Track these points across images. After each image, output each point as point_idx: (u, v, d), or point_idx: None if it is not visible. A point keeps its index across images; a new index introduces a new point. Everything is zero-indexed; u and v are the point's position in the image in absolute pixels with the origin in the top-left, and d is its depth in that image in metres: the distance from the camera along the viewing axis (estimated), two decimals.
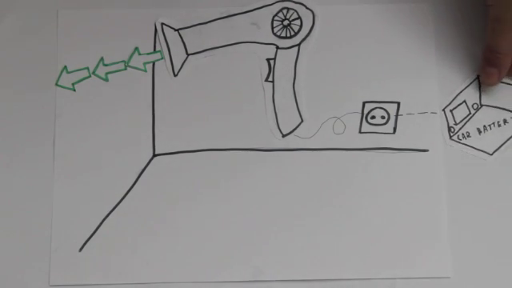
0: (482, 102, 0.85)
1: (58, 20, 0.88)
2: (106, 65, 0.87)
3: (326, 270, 0.82)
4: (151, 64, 0.87)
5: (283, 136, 0.85)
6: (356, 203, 0.83)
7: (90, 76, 0.86)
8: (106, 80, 0.86)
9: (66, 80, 0.86)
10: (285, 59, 0.86)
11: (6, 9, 0.88)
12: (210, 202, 0.84)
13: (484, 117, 0.85)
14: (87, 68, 0.87)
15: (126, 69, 0.87)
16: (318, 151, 0.85)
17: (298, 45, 0.86)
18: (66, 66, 0.86)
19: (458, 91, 0.86)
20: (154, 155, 0.85)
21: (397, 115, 0.85)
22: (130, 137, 0.85)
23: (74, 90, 0.86)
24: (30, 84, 0.87)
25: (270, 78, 0.86)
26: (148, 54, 0.87)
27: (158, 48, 0.87)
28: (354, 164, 0.84)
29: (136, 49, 0.87)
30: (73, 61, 0.87)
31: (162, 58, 0.87)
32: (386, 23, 0.87)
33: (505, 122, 0.85)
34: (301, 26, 0.87)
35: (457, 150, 0.84)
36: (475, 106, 0.85)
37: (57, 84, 0.86)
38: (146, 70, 0.87)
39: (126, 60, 0.87)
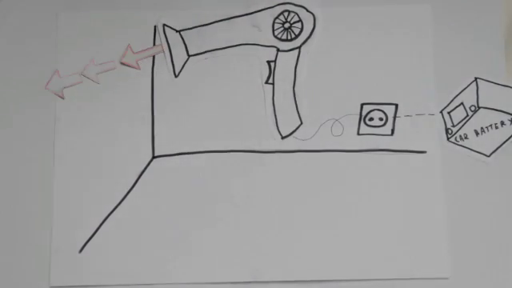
0: (480, 104, 0.85)
1: (58, 23, 0.88)
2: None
3: (325, 270, 0.82)
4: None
5: (282, 138, 0.85)
6: (355, 204, 0.84)
7: (90, 78, 0.87)
8: (106, 81, 0.87)
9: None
10: (285, 62, 0.86)
11: (7, 12, 0.88)
12: (209, 203, 0.84)
13: (481, 119, 0.85)
14: (87, 69, 0.87)
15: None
16: (317, 153, 0.85)
17: (299, 47, 0.86)
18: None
19: (455, 93, 0.86)
20: (154, 157, 0.85)
21: (395, 117, 0.86)
22: (130, 138, 0.85)
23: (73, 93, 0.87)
24: (30, 86, 0.87)
25: (271, 80, 0.86)
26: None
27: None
28: (352, 165, 0.85)
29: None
30: (72, 63, 0.87)
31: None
32: (385, 25, 0.87)
33: (502, 123, 0.85)
34: (302, 28, 0.87)
35: (454, 151, 0.85)
36: (473, 108, 0.86)
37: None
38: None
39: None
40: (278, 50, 0.87)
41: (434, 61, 0.86)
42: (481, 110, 0.85)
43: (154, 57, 0.87)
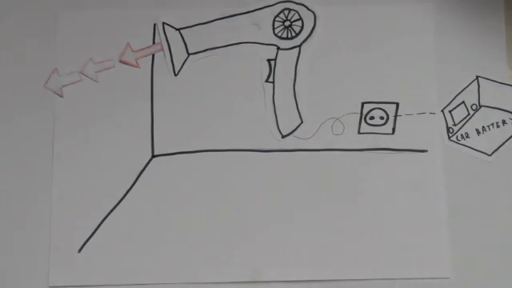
0: (481, 103, 0.85)
1: (57, 22, 0.88)
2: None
3: (325, 270, 0.82)
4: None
5: (283, 137, 0.85)
6: (355, 204, 0.83)
7: (89, 76, 0.86)
8: (105, 79, 0.87)
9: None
10: (285, 60, 0.86)
11: (6, 10, 0.88)
12: (208, 202, 0.84)
13: (483, 118, 0.85)
14: (86, 67, 0.87)
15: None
16: (317, 152, 0.85)
17: (299, 46, 0.86)
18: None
19: (457, 92, 0.86)
20: (153, 156, 0.85)
21: (396, 116, 0.85)
22: (129, 137, 0.85)
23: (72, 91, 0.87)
24: (29, 85, 0.86)
25: (271, 79, 0.86)
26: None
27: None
28: (352, 165, 0.84)
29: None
30: (71, 61, 0.87)
31: None
32: (386, 24, 0.87)
33: (504, 122, 0.85)
34: (302, 27, 0.86)
35: (456, 150, 0.85)
36: (474, 107, 0.85)
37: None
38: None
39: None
40: (279, 48, 0.86)
41: (436, 59, 0.86)
42: (482, 108, 0.85)
43: (153, 55, 0.87)
